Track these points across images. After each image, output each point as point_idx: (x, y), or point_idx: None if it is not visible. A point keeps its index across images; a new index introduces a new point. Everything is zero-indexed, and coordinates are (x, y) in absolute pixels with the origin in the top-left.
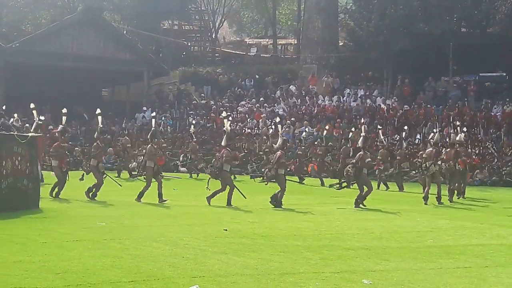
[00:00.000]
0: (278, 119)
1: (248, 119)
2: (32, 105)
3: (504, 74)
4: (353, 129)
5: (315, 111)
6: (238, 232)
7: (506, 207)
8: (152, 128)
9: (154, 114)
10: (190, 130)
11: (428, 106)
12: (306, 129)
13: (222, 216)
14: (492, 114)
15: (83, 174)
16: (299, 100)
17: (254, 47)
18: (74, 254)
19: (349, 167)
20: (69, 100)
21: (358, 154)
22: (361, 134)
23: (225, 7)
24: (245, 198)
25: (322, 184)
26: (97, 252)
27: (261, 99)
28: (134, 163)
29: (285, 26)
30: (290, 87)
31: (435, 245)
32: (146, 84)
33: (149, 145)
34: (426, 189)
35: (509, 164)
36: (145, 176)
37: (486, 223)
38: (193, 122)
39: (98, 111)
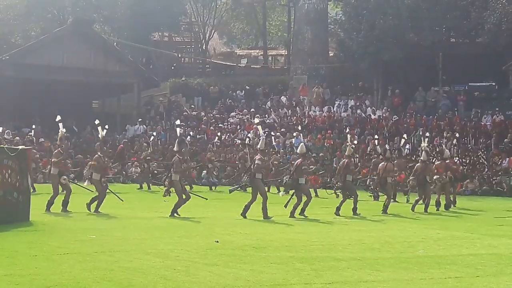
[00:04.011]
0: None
1: (239, 130)
2: (58, 118)
3: (494, 83)
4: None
5: (306, 122)
6: (230, 244)
7: (496, 216)
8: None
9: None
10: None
11: (419, 115)
12: (301, 140)
13: (213, 228)
14: (482, 123)
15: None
16: (289, 110)
17: (244, 58)
18: (65, 267)
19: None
20: (59, 112)
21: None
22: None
23: (215, 18)
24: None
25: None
26: (88, 265)
27: (252, 110)
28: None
29: (275, 37)
30: (281, 97)
31: (426, 255)
32: (137, 96)
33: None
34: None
35: (499, 173)
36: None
37: (477, 233)
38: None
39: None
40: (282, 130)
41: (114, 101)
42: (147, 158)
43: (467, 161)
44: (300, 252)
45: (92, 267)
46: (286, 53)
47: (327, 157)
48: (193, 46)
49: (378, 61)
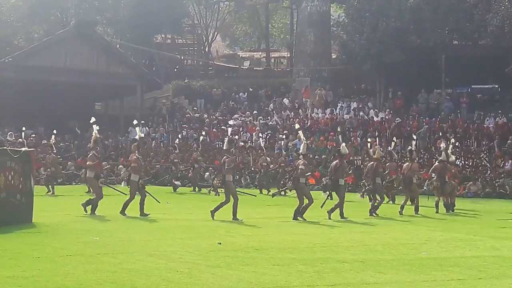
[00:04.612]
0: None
1: (242, 132)
2: (93, 119)
3: (496, 86)
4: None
5: (308, 124)
6: (232, 246)
7: (499, 219)
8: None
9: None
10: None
11: (421, 117)
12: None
13: (215, 229)
14: (485, 126)
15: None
16: (292, 113)
17: (247, 61)
18: (67, 269)
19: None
20: (62, 114)
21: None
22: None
23: (218, 20)
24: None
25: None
26: (91, 267)
27: (255, 112)
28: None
29: (278, 39)
30: (284, 100)
31: (429, 257)
32: (140, 98)
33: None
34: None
35: (502, 175)
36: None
37: (480, 235)
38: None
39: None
40: (284, 132)
41: (117, 103)
42: (175, 161)
43: (470, 163)
44: (303, 253)
45: (95, 269)
46: (288, 55)
47: (329, 159)
48: (195, 48)
49: (380, 63)
